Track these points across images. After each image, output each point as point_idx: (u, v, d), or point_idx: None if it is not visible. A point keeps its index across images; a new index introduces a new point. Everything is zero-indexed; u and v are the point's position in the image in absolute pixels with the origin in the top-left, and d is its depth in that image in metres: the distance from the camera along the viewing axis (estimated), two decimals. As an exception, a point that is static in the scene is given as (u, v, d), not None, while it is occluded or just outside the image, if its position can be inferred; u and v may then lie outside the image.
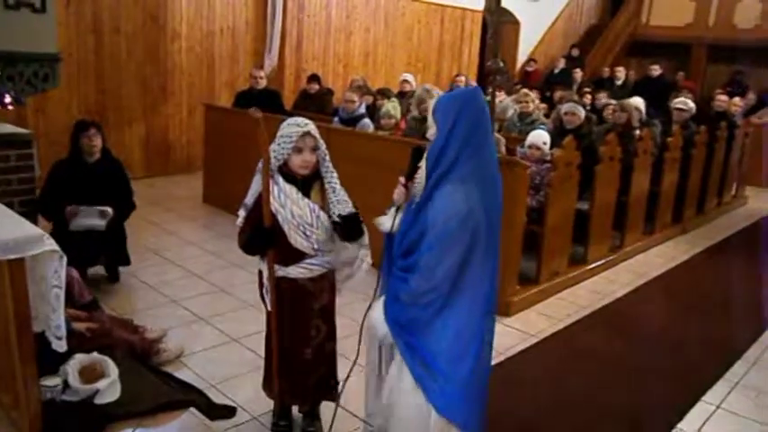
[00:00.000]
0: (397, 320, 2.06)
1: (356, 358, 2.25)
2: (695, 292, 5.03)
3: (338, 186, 2.41)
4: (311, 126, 2.35)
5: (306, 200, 2.37)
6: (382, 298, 2.15)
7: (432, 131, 2.06)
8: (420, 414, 2.08)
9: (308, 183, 2.40)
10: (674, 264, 5.60)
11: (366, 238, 2.47)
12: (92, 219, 3.97)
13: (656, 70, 11.06)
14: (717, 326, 4.30)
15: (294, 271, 2.42)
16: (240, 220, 2.45)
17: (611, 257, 5.35)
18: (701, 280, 5.34)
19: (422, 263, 1.98)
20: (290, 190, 2.36)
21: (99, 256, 4.13)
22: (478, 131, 2.01)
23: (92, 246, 3.99)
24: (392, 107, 5.65)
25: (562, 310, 4.36)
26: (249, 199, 2.42)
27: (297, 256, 2.40)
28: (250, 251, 2.44)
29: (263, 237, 2.35)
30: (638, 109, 5.99)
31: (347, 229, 2.37)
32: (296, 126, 2.33)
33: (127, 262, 4.34)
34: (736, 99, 8.34)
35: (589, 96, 8.31)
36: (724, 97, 7.58)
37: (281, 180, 2.37)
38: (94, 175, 4.11)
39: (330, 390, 2.63)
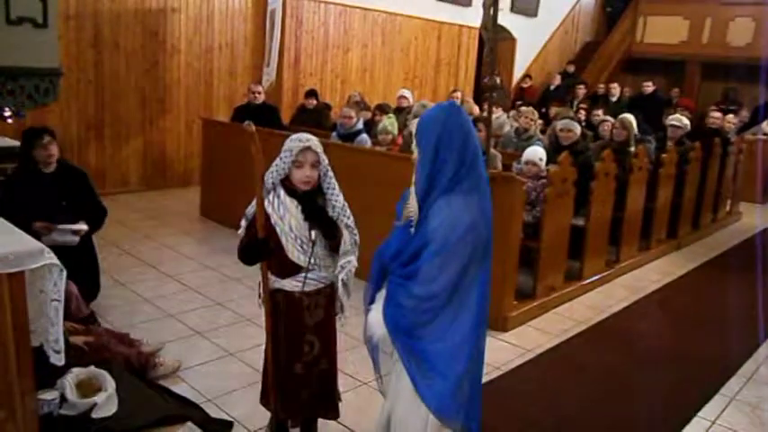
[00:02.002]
0: (397, 324, 2.09)
1: None
2: (690, 307, 5.05)
3: (338, 203, 2.44)
4: (313, 141, 2.38)
5: (304, 214, 2.39)
6: (381, 301, 2.17)
7: (416, 155, 2.08)
8: (419, 417, 2.11)
9: (309, 197, 2.42)
10: (670, 279, 5.62)
11: (348, 244, 2.44)
12: (65, 236, 3.77)
13: (648, 87, 11.17)
14: (712, 341, 4.31)
15: (289, 284, 2.44)
16: (241, 230, 2.50)
17: (606, 273, 5.37)
18: (696, 295, 5.36)
19: (424, 270, 2.01)
20: (291, 204, 2.38)
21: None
22: (469, 148, 2.04)
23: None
24: (389, 123, 5.68)
25: (558, 326, 4.37)
26: (250, 209, 2.45)
27: (293, 269, 2.41)
28: (245, 261, 2.47)
29: (256, 247, 2.38)
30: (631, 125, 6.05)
31: (315, 215, 2.36)
32: (297, 141, 2.36)
33: (94, 295, 4.05)
34: (730, 116, 8.41)
35: (583, 112, 8.38)
36: (717, 114, 7.65)
37: (282, 193, 2.40)
38: (55, 186, 3.84)
39: (328, 408, 2.62)
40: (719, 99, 11.66)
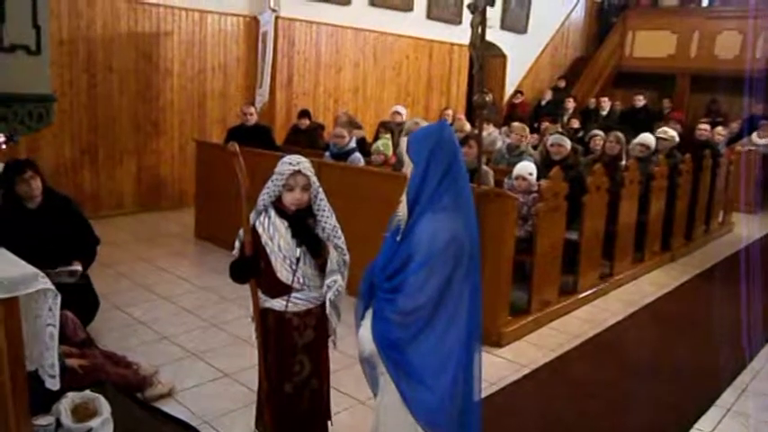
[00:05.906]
0: (385, 339, 2.12)
1: None
2: (685, 319, 5.06)
3: (329, 225, 2.45)
4: (303, 165, 2.40)
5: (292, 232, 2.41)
6: (369, 318, 2.19)
7: (409, 169, 2.14)
8: (408, 430, 2.13)
9: (298, 217, 2.44)
10: (664, 291, 5.64)
11: (335, 263, 2.44)
12: (60, 278, 3.62)
13: (640, 101, 11.28)
14: (707, 353, 4.32)
15: (279, 303, 2.46)
16: (235, 251, 2.52)
17: (601, 286, 5.39)
18: (690, 307, 5.37)
19: (408, 284, 2.06)
20: (281, 224, 2.41)
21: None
22: (455, 164, 2.10)
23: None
24: (382, 144, 5.72)
25: (554, 340, 4.37)
26: (243, 231, 2.47)
27: (283, 289, 2.43)
28: (235, 278, 2.48)
29: (245, 264, 2.41)
30: (647, 146, 6.17)
31: (299, 226, 2.39)
32: (288, 164, 2.39)
33: (90, 319, 3.99)
34: (720, 128, 8.49)
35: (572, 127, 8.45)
36: (705, 126, 7.73)
37: (273, 214, 2.42)
38: (41, 222, 3.75)
39: (318, 429, 2.61)
40: (704, 112, 11.79)
